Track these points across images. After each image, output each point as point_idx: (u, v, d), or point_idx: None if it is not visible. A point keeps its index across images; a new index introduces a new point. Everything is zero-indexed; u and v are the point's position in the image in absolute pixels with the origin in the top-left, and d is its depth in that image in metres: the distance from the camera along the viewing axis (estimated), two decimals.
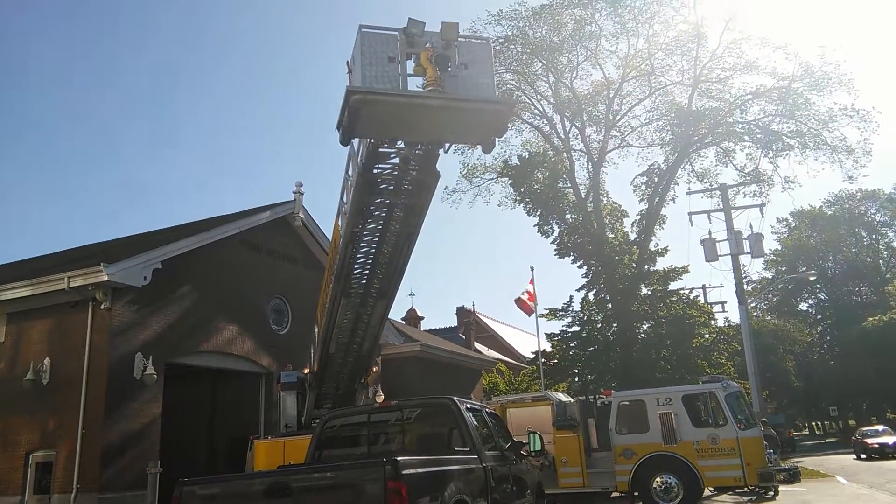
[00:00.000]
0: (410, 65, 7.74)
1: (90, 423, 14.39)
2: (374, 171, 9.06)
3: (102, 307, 14.89)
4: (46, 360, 15.18)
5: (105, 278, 14.46)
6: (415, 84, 7.73)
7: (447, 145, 8.82)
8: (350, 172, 9.67)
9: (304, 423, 13.03)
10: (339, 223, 10.77)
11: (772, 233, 65.05)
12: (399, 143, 8.61)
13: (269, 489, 5.45)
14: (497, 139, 8.77)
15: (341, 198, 10.42)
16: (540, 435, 9.98)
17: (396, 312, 38.59)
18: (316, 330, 12.80)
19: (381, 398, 20.05)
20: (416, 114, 7.68)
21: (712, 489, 15.01)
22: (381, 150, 8.69)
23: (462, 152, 29.59)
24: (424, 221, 10.28)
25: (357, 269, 11.06)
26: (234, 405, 19.99)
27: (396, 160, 8.96)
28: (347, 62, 7.66)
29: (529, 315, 24.51)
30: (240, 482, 6.34)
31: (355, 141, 9.02)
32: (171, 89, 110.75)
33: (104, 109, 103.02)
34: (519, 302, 23.76)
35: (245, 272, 18.93)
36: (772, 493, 14.48)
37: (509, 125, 27.26)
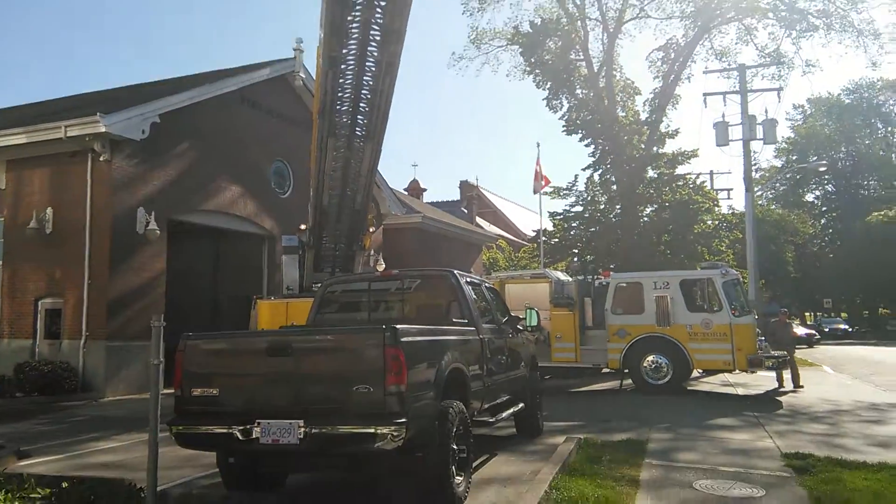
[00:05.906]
0: None
1: (95, 274, 14.64)
2: None
3: (101, 159, 14.71)
4: (49, 210, 15.20)
5: (102, 129, 14.19)
6: None
7: None
8: None
9: (304, 286, 13.20)
10: (320, 52, 10.54)
11: (786, 119, 63.68)
12: None
13: (270, 347, 5.47)
14: None
15: (320, 26, 10.08)
16: (537, 311, 10.07)
17: (399, 183, 38.38)
18: (310, 181, 12.69)
19: (381, 266, 20.31)
20: None
21: (701, 371, 15.49)
22: None
23: (471, 14, 28.15)
24: (403, 52, 10.08)
25: (339, 104, 10.94)
26: (238, 266, 20.28)
27: None
28: None
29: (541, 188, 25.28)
30: (243, 339, 6.39)
31: None
32: None
33: None
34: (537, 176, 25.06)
35: (246, 133, 18.55)
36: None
37: None
